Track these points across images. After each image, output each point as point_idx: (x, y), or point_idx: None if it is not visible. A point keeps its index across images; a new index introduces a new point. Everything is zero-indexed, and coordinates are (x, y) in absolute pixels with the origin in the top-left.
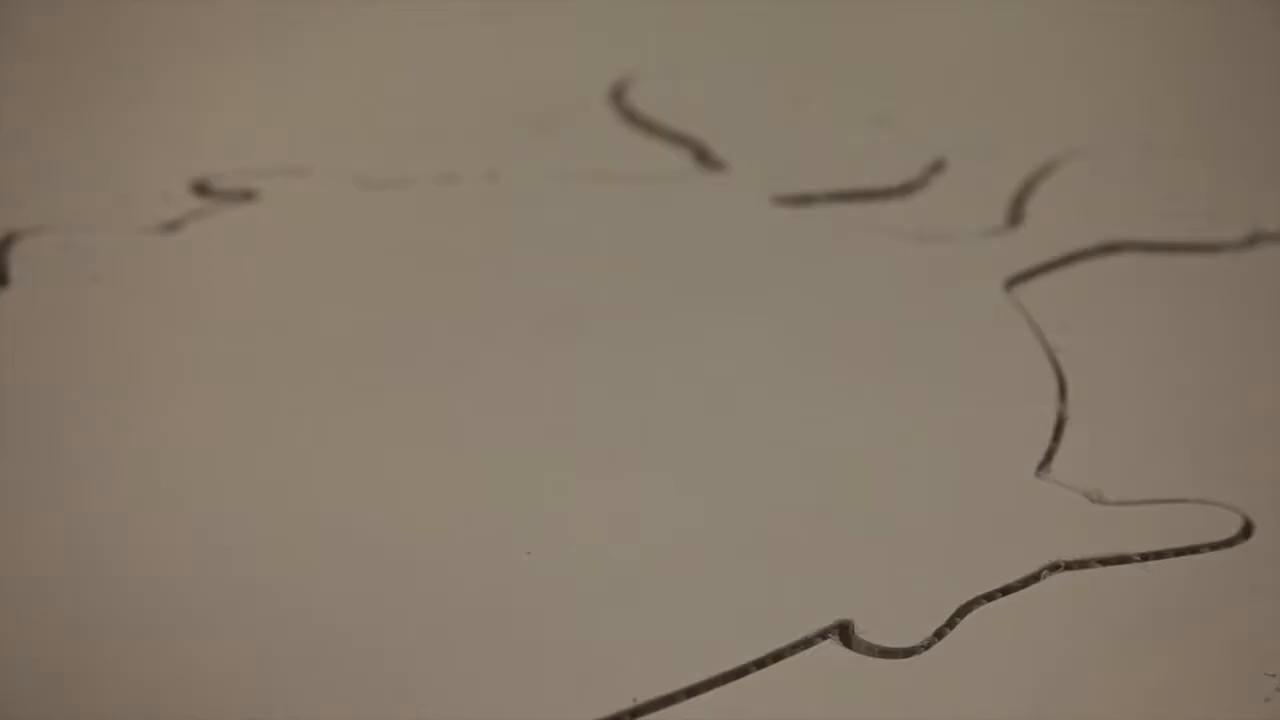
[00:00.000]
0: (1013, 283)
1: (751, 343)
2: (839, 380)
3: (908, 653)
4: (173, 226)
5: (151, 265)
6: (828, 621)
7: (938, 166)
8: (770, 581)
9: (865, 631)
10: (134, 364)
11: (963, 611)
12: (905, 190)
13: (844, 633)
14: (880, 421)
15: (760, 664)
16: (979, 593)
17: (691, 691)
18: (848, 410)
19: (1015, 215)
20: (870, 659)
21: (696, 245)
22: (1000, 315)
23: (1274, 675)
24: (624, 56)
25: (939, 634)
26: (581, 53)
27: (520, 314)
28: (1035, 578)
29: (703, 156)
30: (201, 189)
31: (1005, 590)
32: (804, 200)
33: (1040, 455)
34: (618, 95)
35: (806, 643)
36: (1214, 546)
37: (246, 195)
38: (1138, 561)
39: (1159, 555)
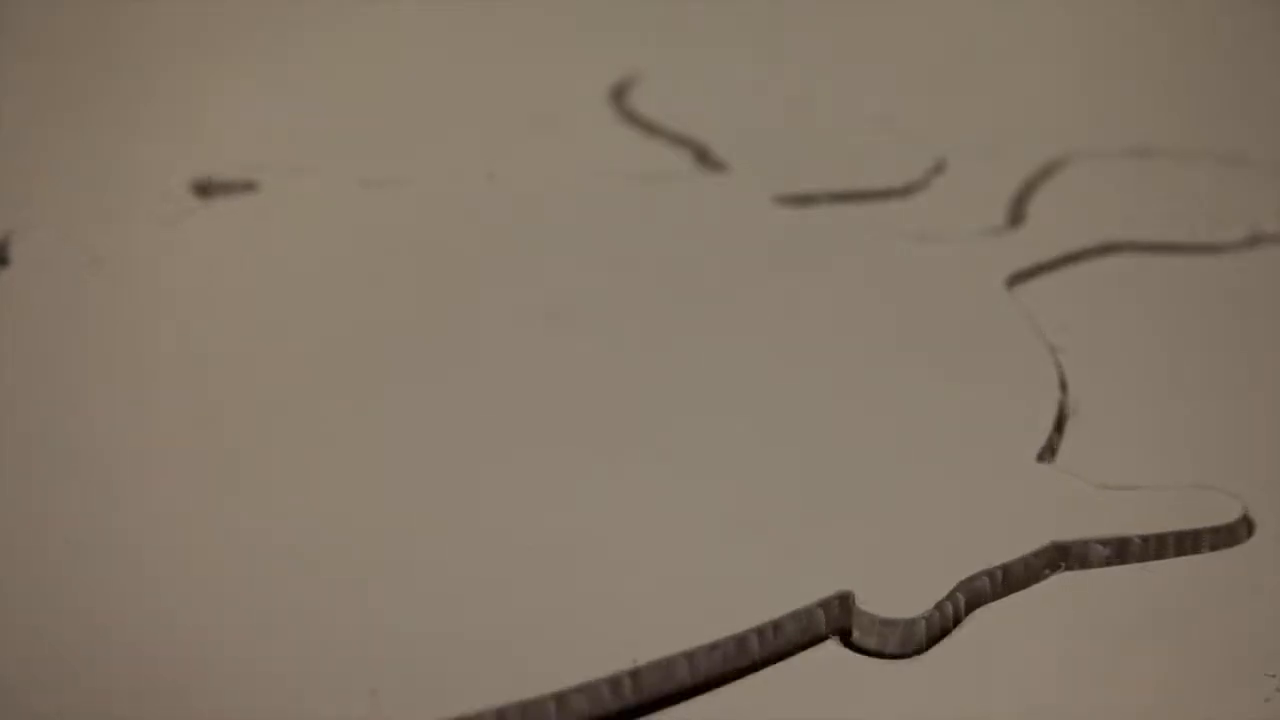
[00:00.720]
0: (1013, 283)
1: (752, 343)
2: (839, 380)
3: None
4: (173, 225)
5: (152, 263)
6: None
7: (938, 167)
8: (771, 581)
9: (866, 603)
10: (135, 363)
11: (965, 609)
12: (906, 191)
13: (844, 603)
14: (880, 422)
15: (760, 632)
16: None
17: (691, 660)
18: (848, 410)
19: (1015, 215)
20: (870, 658)
21: (696, 245)
22: (1000, 315)
23: (1274, 675)
24: (624, 56)
25: (941, 631)
26: (581, 53)
27: (520, 314)
28: (1037, 577)
29: (703, 156)
30: (202, 188)
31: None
32: (805, 200)
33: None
34: (618, 95)
35: (807, 614)
36: (1214, 546)
37: (248, 192)
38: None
39: (1159, 554)
